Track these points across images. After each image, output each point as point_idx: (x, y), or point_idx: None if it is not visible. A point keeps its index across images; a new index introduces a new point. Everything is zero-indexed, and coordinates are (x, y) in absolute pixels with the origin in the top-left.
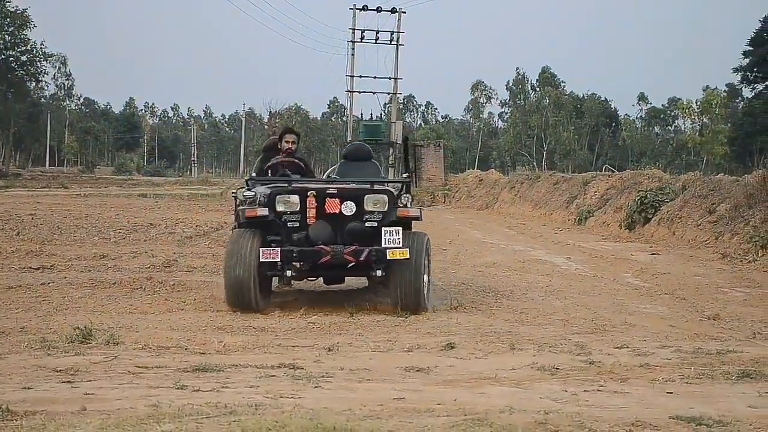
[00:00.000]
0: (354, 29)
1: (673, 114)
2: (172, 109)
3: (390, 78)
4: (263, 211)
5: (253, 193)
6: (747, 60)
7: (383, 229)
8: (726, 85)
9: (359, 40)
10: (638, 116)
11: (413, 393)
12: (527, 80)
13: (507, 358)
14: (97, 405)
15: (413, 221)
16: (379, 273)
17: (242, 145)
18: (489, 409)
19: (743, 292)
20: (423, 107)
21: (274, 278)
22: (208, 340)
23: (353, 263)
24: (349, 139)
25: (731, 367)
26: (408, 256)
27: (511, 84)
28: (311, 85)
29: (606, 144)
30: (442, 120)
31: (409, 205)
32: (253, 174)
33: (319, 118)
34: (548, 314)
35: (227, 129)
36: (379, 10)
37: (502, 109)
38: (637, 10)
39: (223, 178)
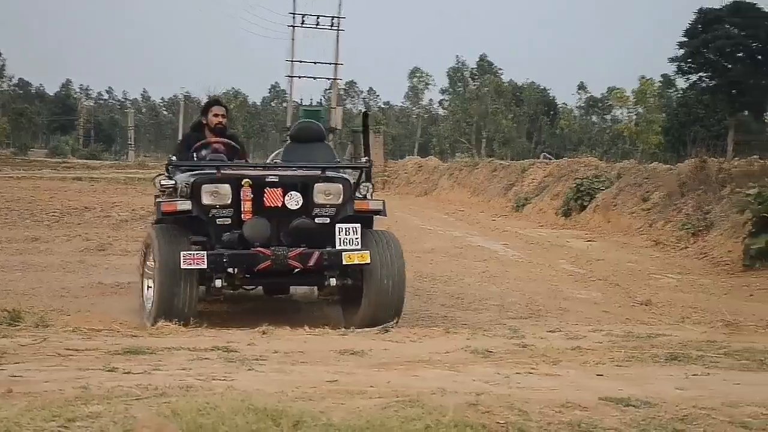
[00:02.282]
0: (294, 14)
1: (609, 103)
2: (107, 92)
3: (331, 63)
4: (184, 205)
5: (173, 182)
6: (682, 51)
7: (337, 226)
8: (661, 75)
9: (300, 25)
10: (577, 105)
11: (347, 375)
12: (466, 68)
13: (441, 342)
14: (24, 387)
15: (374, 216)
16: (332, 281)
17: (180, 130)
18: (421, 390)
19: (674, 279)
20: (365, 93)
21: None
22: (140, 323)
23: (300, 269)
24: (288, 124)
25: (660, 350)
26: (369, 261)
27: (450, 71)
28: (251, 69)
29: (544, 132)
30: (384, 106)
31: (369, 196)
32: (172, 157)
33: (259, 103)
34: (484, 299)
35: (165, 113)
36: None
37: (443, 96)
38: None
39: (161, 162)
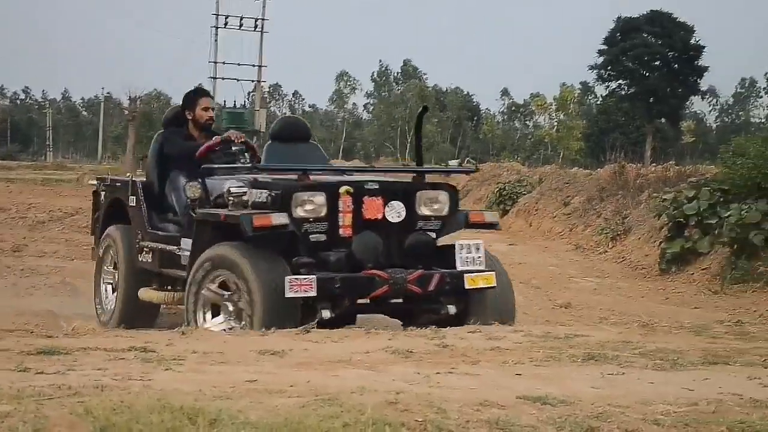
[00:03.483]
0: (217, 14)
1: (532, 109)
2: (23, 91)
3: (254, 65)
4: (280, 219)
5: (202, 189)
6: (601, 58)
7: (457, 243)
8: (580, 82)
9: (223, 26)
10: (500, 111)
11: (266, 375)
12: (390, 72)
13: (362, 342)
14: None
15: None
16: (452, 310)
17: (101, 130)
18: (341, 390)
19: (594, 282)
20: (290, 96)
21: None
22: (56, 324)
23: (419, 295)
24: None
25: (578, 350)
26: (495, 284)
27: (375, 75)
28: (174, 70)
29: (468, 137)
30: (309, 110)
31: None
32: (147, 157)
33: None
34: None
35: (85, 113)
36: None
37: (368, 100)
38: (499, 6)
39: (80, 163)
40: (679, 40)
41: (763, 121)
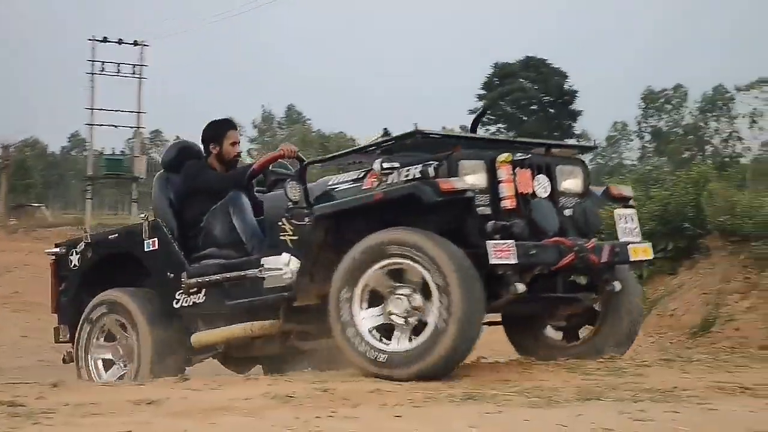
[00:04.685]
0: (93, 60)
1: None
2: None
3: (133, 112)
4: (461, 182)
5: (299, 189)
6: (481, 103)
7: (616, 213)
8: (460, 126)
9: (100, 72)
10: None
11: (141, 425)
12: (273, 117)
13: (241, 389)
14: None
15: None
16: (617, 286)
17: None
18: None
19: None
20: (171, 143)
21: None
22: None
23: (596, 267)
24: (89, 173)
25: (457, 390)
26: (651, 256)
27: (259, 121)
28: (50, 116)
29: None
30: None
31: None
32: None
33: (58, 152)
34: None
35: None
36: (120, 42)
37: (251, 146)
38: (385, 47)
39: None
40: (554, 85)
41: (635, 162)
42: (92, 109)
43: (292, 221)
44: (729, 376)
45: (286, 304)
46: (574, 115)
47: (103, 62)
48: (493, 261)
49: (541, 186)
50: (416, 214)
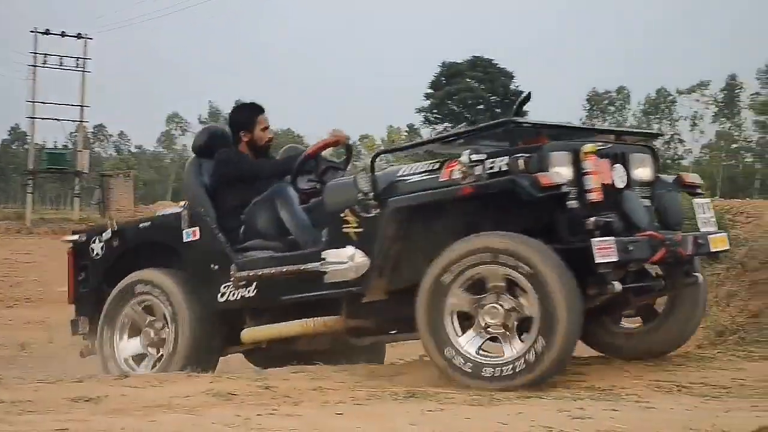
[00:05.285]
0: (36, 53)
1: (360, 150)
2: None
3: (76, 105)
4: (559, 177)
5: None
6: (428, 102)
7: (695, 202)
8: (407, 125)
9: (42, 65)
10: (329, 153)
11: (78, 423)
12: (220, 113)
13: (183, 386)
14: None
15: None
16: (699, 278)
17: None
18: None
19: None
20: (115, 137)
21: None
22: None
23: (682, 259)
24: (30, 167)
25: (400, 388)
26: (728, 246)
27: (205, 117)
28: None
29: None
30: (136, 150)
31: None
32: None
33: None
34: None
35: None
36: (63, 34)
37: None
38: (330, 46)
39: None
40: (501, 85)
41: None
42: (34, 102)
43: (360, 213)
44: (667, 374)
45: (348, 300)
46: (521, 115)
47: (46, 54)
48: (599, 260)
49: (619, 176)
50: (501, 208)
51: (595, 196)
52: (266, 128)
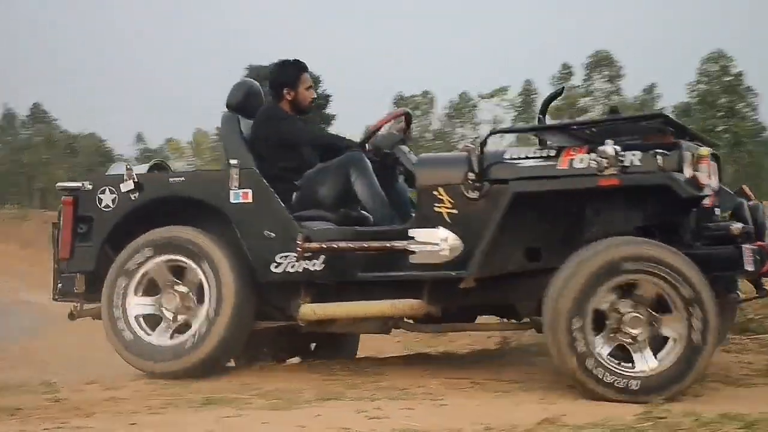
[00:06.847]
0: None
1: (166, 154)
2: None
3: None
4: (708, 177)
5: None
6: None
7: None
8: (217, 127)
9: None
10: (135, 157)
11: None
12: (17, 116)
13: None
14: None
15: None
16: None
17: None
18: None
19: None
20: None
21: None
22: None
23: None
24: None
25: (197, 395)
26: None
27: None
28: None
29: None
30: None
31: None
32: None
33: None
34: (24, 356)
35: None
36: None
37: None
38: (134, 48)
39: None
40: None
41: None
42: None
43: (465, 192)
44: (462, 372)
45: (432, 283)
46: (328, 119)
47: None
48: (748, 267)
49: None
50: (615, 205)
51: (709, 201)
52: (310, 87)
